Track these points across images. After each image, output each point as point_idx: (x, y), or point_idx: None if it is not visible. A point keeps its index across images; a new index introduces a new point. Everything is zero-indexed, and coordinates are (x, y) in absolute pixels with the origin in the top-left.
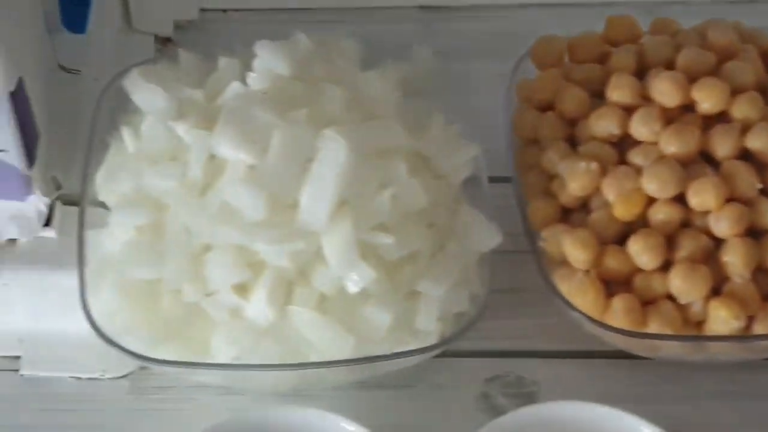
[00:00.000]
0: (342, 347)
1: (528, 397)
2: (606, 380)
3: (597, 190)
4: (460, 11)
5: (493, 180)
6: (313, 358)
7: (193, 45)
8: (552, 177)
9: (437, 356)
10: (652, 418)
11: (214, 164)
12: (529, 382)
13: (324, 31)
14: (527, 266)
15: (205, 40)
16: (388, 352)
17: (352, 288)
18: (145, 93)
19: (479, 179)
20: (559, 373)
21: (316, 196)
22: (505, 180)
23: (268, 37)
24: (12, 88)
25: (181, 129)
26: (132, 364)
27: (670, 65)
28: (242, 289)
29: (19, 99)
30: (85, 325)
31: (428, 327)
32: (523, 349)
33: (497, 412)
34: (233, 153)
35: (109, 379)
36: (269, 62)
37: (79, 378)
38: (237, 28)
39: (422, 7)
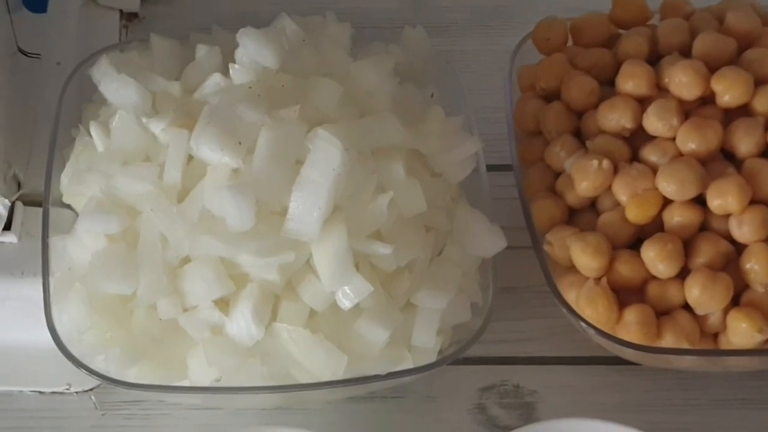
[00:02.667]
0: (334, 367)
1: (526, 408)
2: (610, 389)
3: (607, 190)
4: None
5: (491, 168)
6: (302, 379)
7: (161, 20)
8: (557, 173)
9: None
10: (656, 428)
11: (194, 166)
12: (527, 392)
13: (301, 6)
14: (524, 262)
15: (173, 14)
16: (383, 372)
17: (346, 304)
18: (115, 84)
19: (478, 171)
20: (558, 381)
21: (307, 202)
22: (504, 168)
23: (240, 12)
24: None
25: (157, 127)
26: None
27: (685, 51)
28: (224, 304)
29: None
30: (49, 337)
31: (428, 343)
32: (521, 355)
33: (494, 425)
34: (215, 155)
35: (74, 393)
36: (254, 53)
37: (43, 392)
38: (207, 1)
39: None
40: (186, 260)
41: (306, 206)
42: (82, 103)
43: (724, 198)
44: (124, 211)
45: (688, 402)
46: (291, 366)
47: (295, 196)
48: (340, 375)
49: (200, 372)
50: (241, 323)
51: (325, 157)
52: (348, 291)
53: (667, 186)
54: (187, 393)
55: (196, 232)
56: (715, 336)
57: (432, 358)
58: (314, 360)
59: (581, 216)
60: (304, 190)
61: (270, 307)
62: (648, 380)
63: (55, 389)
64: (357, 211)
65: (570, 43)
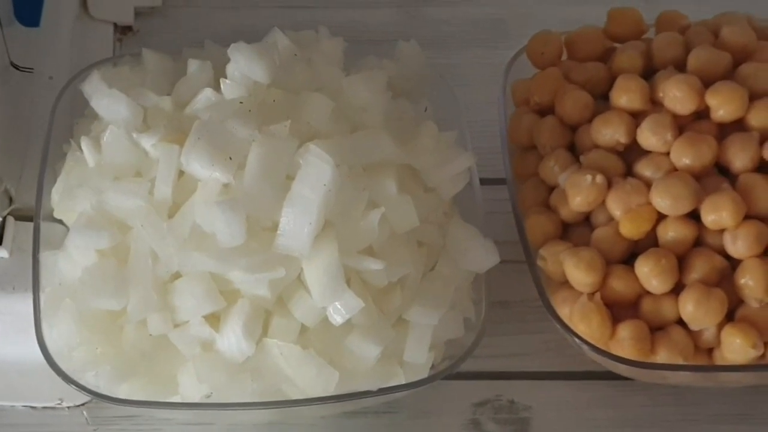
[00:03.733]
0: (325, 383)
1: (521, 423)
2: (604, 404)
3: (601, 205)
4: None
5: (485, 182)
6: (294, 395)
7: (156, 34)
8: (551, 188)
9: None
10: None
11: (185, 182)
12: (522, 407)
13: (297, 19)
14: (518, 276)
15: (168, 28)
16: (374, 388)
17: (337, 319)
18: (106, 99)
19: (471, 186)
20: (553, 396)
21: (298, 218)
22: (499, 182)
23: (236, 26)
24: None
25: (148, 142)
26: None
27: (680, 65)
28: (215, 320)
29: None
30: (39, 351)
31: (420, 359)
32: (516, 370)
33: None
34: (206, 171)
35: (66, 408)
36: (245, 68)
37: (35, 407)
38: (202, 14)
39: None
40: (176, 276)
41: (297, 222)
42: (74, 117)
43: (718, 213)
44: (114, 226)
45: (683, 417)
46: (282, 382)
47: (285, 212)
48: (331, 391)
49: (191, 388)
50: (232, 339)
51: (316, 172)
52: (339, 307)
53: (661, 201)
54: (177, 409)
55: (186, 247)
56: (710, 351)
57: (424, 373)
58: (305, 376)
59: (575, 231)
60: (294, 206)
61: (261, 323)
62: (643, 395)
63: (47, 404)
64: (348, 227)
65: (565, 56)
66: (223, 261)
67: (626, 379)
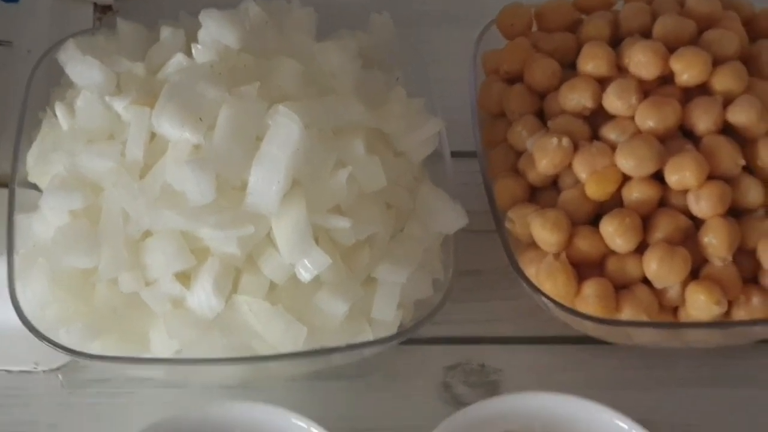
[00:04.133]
0: (294, 339)
1: (491, 386)
2: (574, 367)
3: (568, 168)
4: None
5: (457, 155)
6: (263, 351)
7: (136, 13)
8: (520, 153)
9: None
10: (623, 406)
11: (156, 143)
12: (492, 370)
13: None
14: (490, 245)
15: (148, 7)
16: (343, 344)
17: (305, 276)
18: (80, 66)
19: (442, 155)
20: (523, 360)
21: (266, 177)
22: (470, 155)
23: (216, 3)
24: None
25: (120, 105)
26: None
27: (646, 34)
28: (185, 278)
29: None
30: (15, 315)
31: (387, 316)
32: (486, 335)
33: (458, 402)
34: (176, 131)
35: (41, 371)
36: (216, 33)
37: (10, 371)
38: None
39: None
40: (147, 234)
41: (265, 180)
42: (51, 87)
43: (681, 173)
44: (87, 187)
45: (653, 380)
46: (251, 338)
47: (254, 170)
48: (299, 346)
49: (161, 345)
50: (202, 296)
51: (285, 132)
52: (307, 263)
53: (625, 162)
54: (148, 365)
55: (157, 206)
56: (675, 310)
57: (392, 331)
58: (274, 332)
59: (543, 194)
60: (263, 165)
61: (230, 280)
62: (614, 359)
63: (23, 368)
64: (317, 186)
65: (535, 29)
66: (193, 219)
67: (597, 343)
